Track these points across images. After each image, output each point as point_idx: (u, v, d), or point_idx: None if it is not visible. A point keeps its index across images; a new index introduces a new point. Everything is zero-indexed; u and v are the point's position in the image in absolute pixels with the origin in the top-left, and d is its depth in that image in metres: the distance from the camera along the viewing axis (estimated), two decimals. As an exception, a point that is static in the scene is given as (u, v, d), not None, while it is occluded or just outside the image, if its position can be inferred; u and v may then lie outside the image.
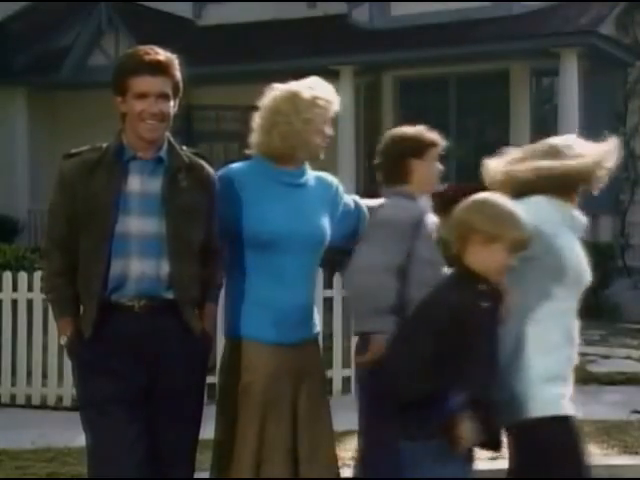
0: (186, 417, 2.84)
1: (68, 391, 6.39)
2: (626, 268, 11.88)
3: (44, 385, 6.47)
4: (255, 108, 3.17)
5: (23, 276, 6.51)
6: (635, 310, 10.50)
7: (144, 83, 2.76)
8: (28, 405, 6.44)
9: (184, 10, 15.16)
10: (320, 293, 6.65)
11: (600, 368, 7.22)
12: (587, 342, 7.98)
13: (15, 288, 6.50)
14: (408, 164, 3.42)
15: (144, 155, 2.82)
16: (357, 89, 13.30)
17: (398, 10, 13.02)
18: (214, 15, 14.99)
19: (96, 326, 2.74)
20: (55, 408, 6.36)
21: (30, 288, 6.48)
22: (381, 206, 3.31)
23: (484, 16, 12.30)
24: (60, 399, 6.44)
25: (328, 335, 6.67)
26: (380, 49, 12.71)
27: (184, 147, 2.95)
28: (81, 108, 14.74)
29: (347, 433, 5.38)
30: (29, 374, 6.48)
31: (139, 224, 2.77)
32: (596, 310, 10.29)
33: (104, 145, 2.86)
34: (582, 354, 8.14)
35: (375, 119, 13.56)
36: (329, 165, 12.71)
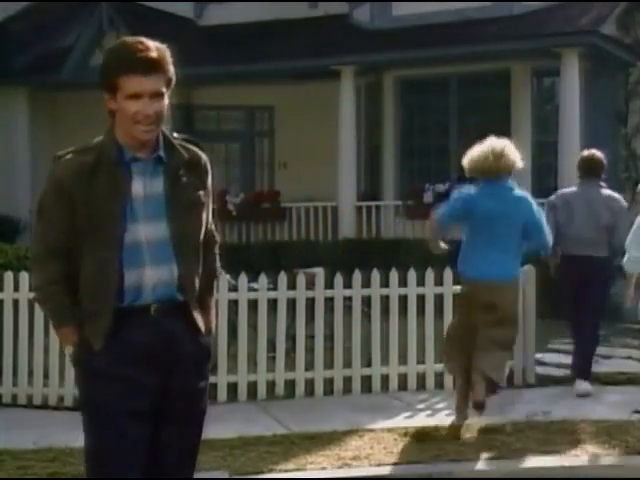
0: (195, 418, 2.80)
1: (69, 391, 6.40)
2: (627, 268, 11.87)
3: (45, 385, 6.47)
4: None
5: (24, 276, 6.51)
6: (636, 310, 10.46)
7: (137, 84, 2.58)
8: (30, 405, 6.44)
9: (185, 10, 15.16)
10: (321, 294, 6.66)
11: (601, 368, 7.21)
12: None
13: (16, 288, 6.51)
14: None
15: (143, 155, 2.68)
16: (358, 89, 13.30)
17: (399, 10, 13.02)
18: (215, 15, 14.99)
19: (108, 337, 2.65)
20: (56, 408, 6.36)
21: (31, 288, 6.49)
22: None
23: (485, 16, 12.29)
24: (61, 399, 6.44)
25: (329, 336, 6.68)
26: (381, 49, 12.70)
27: (175, 134, 2.79)
28: (82, 108, 14.70)
29: (347, 433, 5.39)
30: (30, 374, 6.49)
31: (147, 230, 2.66)
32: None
33: (93, 143, 2.72)
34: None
35: (376, 119, 13.56)
36: (330, 164, 12.79)
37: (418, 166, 13.15)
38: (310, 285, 6.71)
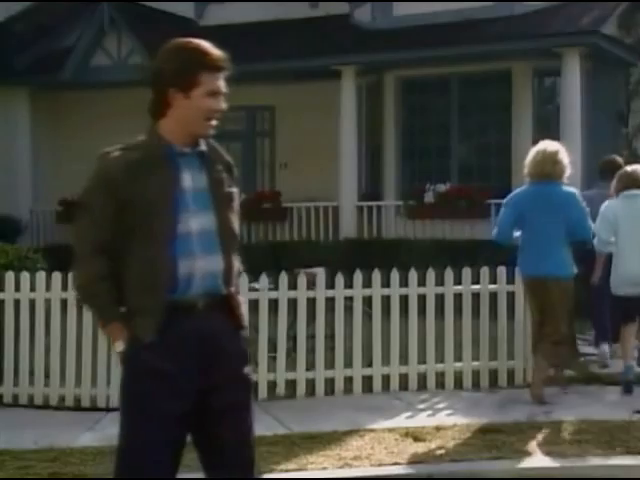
0: (244, 411, 2.80)
1: (70, 391, 6.41)
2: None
3: (46, 385, 6.47)
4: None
5: (26, 276, 6.52)
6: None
7: (218, 81, 2.72)
8: (31, 405, 6.44)
9: (186, 10, 15.17)
10: (322, 294, 6.66)
11: (603, 368, 7.21)
12: (590, 342, 7.97)
13: (17, 288, 6.51)
14: None
15: (188, 150, 2.77)
16: (359, 89, 13.30)
17: (400, 10, 13.02)
18: (216, 15, 14.99)
19: (157, 331, 2.66)
20: (57, 408, 6.36)
21: (32, 288, 6.49)
22: None
23: (486, 16, 12.29)
24: (62, 399, 6.44)
25: (330, 336, 6.68)
26: (382, 49, 12.70)
27: None
28: (83, 108, 14.74)
29: (348, 433, 5.39)
30: (31, 374, 6.49)
31: (197, 221, 2.72)
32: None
33: (139, 140, 2.78)
34: (585, 354, 8.14)
35: (377, 119, 13.56)
36: (331, 164, 12.80)
37: (419, 166, 13.15)
38: (311, 285, 6.71)
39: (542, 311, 6.15)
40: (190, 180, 2.74)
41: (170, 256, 2.67)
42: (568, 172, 6.18)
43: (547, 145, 6.22)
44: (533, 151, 6.23)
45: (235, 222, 2.84)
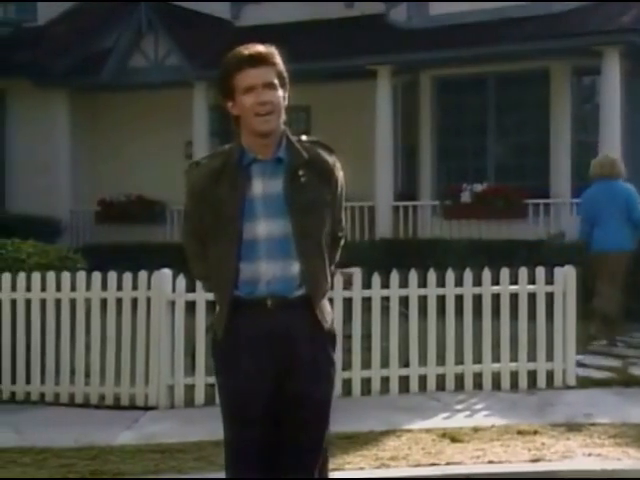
0: (317, 412, 2.83)
1: (110, 390, 6.48)
2: (669, 268, 11.70)
3: (87, 384, 6.56)
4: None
5: (66, 276, 6.60)
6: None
7: (248, 76, 2.79)
8: (71, 404, 6.52)
9: (222, 11, 15.25)
10: (359, 294, 6.66)
11: (641, 370, 7.13)
12: (629, 345, 7.88)
13: (58, 288, 6.60)
14: None
15: (264, 156, 2.83)
16: (395, 89, 13.26)
17: (436, 9, 12.95)
18: (252, 16, 15.05)
19: (227, 327, 2.82)
20: (97, 407, 6.44)
21: (73, 288, 6.58)
22: None
23: (523, 14, 12.19)
24: (102, 398, 6.52)
25: (366, 335, 6.68)
26: (418, 48, 12.65)
27: (304, 136, 2.92)
28: (122, 109, 14.89)
29: (385, 433, 5.39)
30: (72, 373, 6.57)
31: (266, 228, 2.79)
32: (637, 313, 10.15)
33: (226, 148, 2.90)
34: (624, 357, 8.07)
35: (413, 119, 13.51)
36: (367, 164, 12.84)
37: (455, 166, 13.08)
38: (347, 285, 6.71)
39: (602, 279, 7.79)
40: (261, 187, 2.81)
41: (233, 259, 2.79)
42: (624, 174, 8.21)
43: (607, 153, 8.76)
44: (597, 158, 8.51)
45: (321, 225, 2.83)
